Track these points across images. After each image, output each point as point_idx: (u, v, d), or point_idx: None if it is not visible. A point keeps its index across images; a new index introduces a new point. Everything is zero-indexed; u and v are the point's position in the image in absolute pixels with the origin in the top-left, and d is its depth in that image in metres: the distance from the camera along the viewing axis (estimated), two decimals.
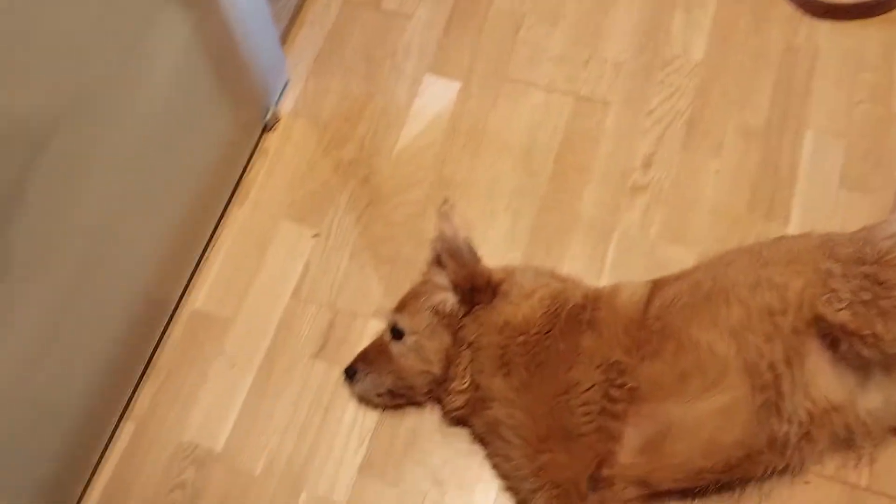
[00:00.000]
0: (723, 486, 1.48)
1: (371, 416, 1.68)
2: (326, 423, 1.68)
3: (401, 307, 1.66)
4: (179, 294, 1.79)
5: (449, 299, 1.61)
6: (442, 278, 1.62)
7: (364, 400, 1.67)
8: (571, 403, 1.42)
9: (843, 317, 1.34)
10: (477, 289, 1.59)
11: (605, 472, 1.41)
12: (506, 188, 1.86)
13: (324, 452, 1.66)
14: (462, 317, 1.58)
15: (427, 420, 1.65)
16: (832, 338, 1.37)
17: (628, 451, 1.42)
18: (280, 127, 1.96)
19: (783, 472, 1.47)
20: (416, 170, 1.89)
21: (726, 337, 1.40)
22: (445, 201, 1.66)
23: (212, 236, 1.92)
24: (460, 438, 1.63)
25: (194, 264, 1.82)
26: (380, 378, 1.63)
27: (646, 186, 1.83)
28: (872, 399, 1.44)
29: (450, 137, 1.92)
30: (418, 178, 1.89)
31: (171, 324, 1.79)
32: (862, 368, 1.40)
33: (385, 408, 1.67)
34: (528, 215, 1.86)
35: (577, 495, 1.43)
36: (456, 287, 1.60)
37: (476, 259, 1.60)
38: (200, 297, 1.82)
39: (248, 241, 1.91)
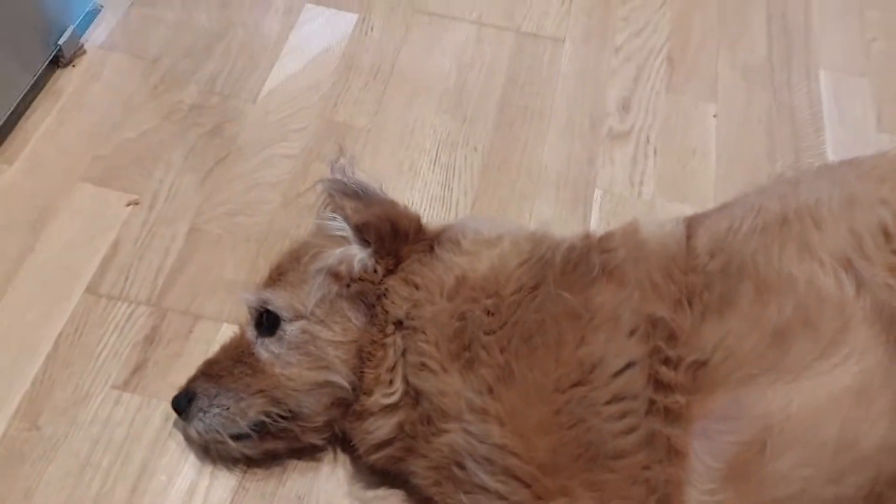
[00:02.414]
0: None
1: (225, 479, 0.99)
2: (137, 497, 0.96)
3: (273, 279, 1.02)
4: None
5: (355, 253, 0.99)
6: (337, 224, 1.01)
7: (212, 447, 0.99)
8: (593, 399, 0.85)
9: None
10: (400, 233, 1.00)
11: None
12: (430, 137, 1.40)
13: None
14: (382, 279, 0.98)
15: (332, 476, 1.00)
16: None
17: (702, 480, 0.83)
18: (84, 62, 1.39)
19: None
20: (292, 115, 1.40)
21: (832, 267, 0.90)
22: (340, 151, 1.11)
23: None
24: (395, 501, 0.96)
25: None
26: (238, 404, 0.96)
27: (626, 133, 1.44)
28: None
29: (343, 77, 1.46)
30: (296, 125, 1.38)
31: None
32: None
33: (251, 459, 0.99)
34: (467, 171, 1.35)
35: None
36: (365, 231, 0.99)
37: (390, 200, 1.05)
38: None
39: (17, 211, 1.20)
